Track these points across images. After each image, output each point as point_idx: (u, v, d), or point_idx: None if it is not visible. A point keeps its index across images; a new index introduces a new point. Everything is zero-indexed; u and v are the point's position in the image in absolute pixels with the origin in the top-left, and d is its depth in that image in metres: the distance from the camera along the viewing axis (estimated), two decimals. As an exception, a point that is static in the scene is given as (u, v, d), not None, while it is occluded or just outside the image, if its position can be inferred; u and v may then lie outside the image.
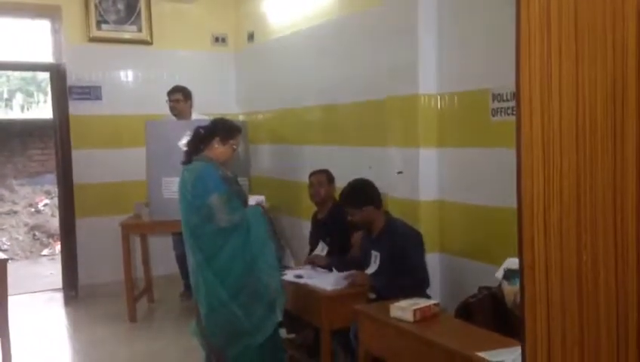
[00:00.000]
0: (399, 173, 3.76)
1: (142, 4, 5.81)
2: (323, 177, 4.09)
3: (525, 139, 0.85)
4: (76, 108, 5.65)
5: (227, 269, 3.17)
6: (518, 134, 0.86)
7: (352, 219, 3.49)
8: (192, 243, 3.21)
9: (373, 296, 3.41)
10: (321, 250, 3.96)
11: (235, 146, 3.36)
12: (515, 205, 0.91)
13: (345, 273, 3.49)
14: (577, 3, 0.81)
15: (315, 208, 4.25)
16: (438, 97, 3.72)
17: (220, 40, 6.28)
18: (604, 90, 0.80)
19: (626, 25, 0.78)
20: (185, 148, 3.39)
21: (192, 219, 3.19)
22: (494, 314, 2.70)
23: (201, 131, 3.35)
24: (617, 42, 0.79)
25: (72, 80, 5.63)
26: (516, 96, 0.87)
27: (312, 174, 4.18)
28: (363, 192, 3.49)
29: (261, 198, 3.48)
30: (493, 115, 3.37)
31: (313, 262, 3.80)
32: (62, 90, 5.60)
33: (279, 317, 3.22)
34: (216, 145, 3.30)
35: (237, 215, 3.18)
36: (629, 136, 0.78)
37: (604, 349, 0.82)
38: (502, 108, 3.29)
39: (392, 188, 3.87)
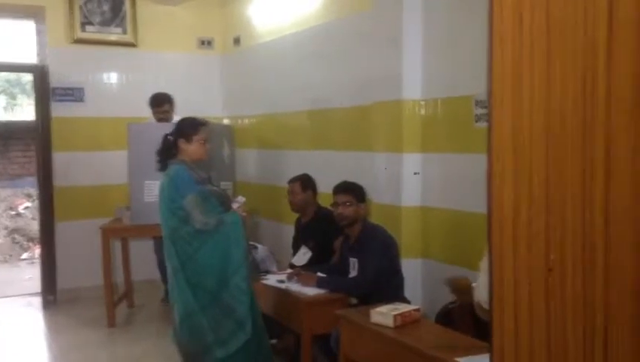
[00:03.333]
0: (385, 168, 3.80)
1: (127, 6, 5.77)
2: (296, 186, 4.07)
3: (496, 140, 0.84)
4: (58, 109, 5.59)
5: (200, 280, 3.14)
6: (489, 135, 0.85)
7: (342, 212, 3.45)
8: (170, 247, 3.19)
9: (354, 301, 3.41)
10: (304, 253, 3.94)
11: (202, 141, 3.32)
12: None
13: (289, 271, 3.71)
14: (549, 1, 0.80)
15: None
16: (423, 103, 3.72)
17: (205, 43, 6.25)
18: (574, 89, 0.80)
19: (597, 23, 0.78)
20: (157, 158, 3.39)
21: (169, 222, 3.18)
22: (474, 320, 2.70)
23: (170, 138, 3.35)
24: (588, 40, 0.78)
25: (55, 81, 5.58)
26: (488, 95, 0.86)
27: (288, 182, 4.17)
28: (364, 190, 3.55)
29: (242, 199, 3.46)
30: (477, 121, 3.37)
31: (298, 274, 3.70)
32: (45, 91, 5.55)
33: (248, 335, 3.17)
34: (183, 146, 3.30)
35: (212, 219, 3.14)
36: (597, 136, 0.78)
37: (571, 351, 0.81)
38: (485, 114, 3.30)
39: (375, 194, 3.86)
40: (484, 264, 1.20)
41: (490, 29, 0.83)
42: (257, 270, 3.71)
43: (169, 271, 3.26)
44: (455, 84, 3.52)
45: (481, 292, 1.23)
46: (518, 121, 0.83)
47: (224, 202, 3.33)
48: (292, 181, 4.12)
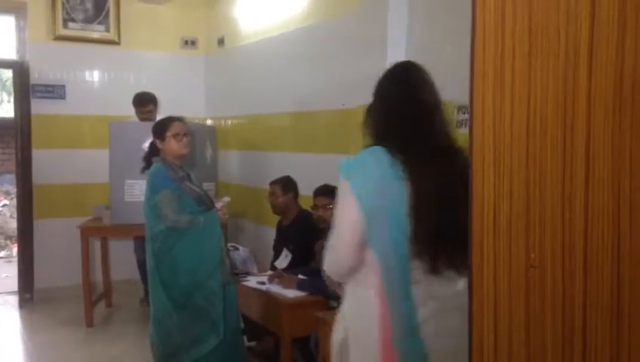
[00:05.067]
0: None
1: (111, 4, 5.72)
2: (276, 188, 4.07)
3: (477, 139, 0.85)
4: (39, 107, 5.53)
5: (174, 279, 3.12)
6: (470, 134, 0.86)
7: (322, 214, 3.46)
8: (149, 245, 3.18)
9: (334, 303, 3.40)
10: (284, 256, 3.93)
11: (174, 135, 3.30)
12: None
13: (270, 273, 3.71)
14: (532, 1, 0.81)
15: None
16: (406, 107, 3.73)
17: (189, 43, 6.22)
18: (555, 89, 0.80)
19: (578, 24, 0.79)
20: (143, 163, 3.40)
21: (149, 220, 3.17)
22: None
23: (155, 143, 3.36)
24: (570, 41, 0.79)
25: (35, 78, 5.51)
26: (470, 95, 0.87)
27: (270, 184, 4.16)
28: None
29: (227, 199, 3.45)
30: (459, 127, 3.38)
31: (280, 276, 3.68)
32: (25, 88, 5.49)
33: (220, 337, 3.14)
34: (160, 146, 3.32)
35: (184, 217, 3.12)
36: (578, 136, 0.78)
37: (550, 349, 0.81)
38: (467, 119, 3.32)
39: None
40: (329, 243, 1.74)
41: (472, 30, 0.84)
42: (236, 272, 3.69)
43: (149, 270, 3.25)
44: (439, 89, 3.52)
45: (329, 267, 1.75)
46: (499, 121, 0.84)
47: (203, 201, 3.31)
48: (273, 183, 4.11)
